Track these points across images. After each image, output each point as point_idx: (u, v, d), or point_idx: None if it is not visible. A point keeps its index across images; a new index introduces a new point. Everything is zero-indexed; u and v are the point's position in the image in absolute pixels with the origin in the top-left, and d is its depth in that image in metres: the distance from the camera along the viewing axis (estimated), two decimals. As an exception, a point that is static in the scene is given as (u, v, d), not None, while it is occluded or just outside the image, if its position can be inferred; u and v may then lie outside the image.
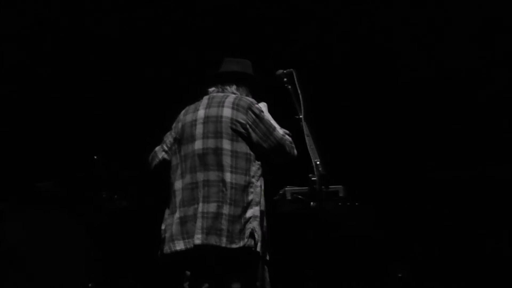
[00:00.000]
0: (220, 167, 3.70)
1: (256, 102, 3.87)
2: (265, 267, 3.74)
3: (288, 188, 3.86)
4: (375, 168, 6.26)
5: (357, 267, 5.90)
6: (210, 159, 3.72)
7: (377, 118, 6.36)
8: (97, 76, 6.25)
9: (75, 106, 6.27)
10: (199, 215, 3.65)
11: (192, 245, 3.62)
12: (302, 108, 3.77)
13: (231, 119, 3.76)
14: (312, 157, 3.62)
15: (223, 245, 3.59)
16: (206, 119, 3.81)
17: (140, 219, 5.83)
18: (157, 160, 3.97)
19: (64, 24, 6.08)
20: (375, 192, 6.00)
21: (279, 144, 3.77)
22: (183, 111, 3.99)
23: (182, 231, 3.68)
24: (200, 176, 3.72)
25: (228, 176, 3.67)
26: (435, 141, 6.36)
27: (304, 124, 3.74)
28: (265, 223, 3.75)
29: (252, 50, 4.85)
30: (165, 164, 3.93)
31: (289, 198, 3.84)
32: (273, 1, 6.00)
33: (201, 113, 3.85)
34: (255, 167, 3.74)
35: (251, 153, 3.75)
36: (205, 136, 3.78)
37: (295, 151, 3.80)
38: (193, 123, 3.85)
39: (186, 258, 3.71)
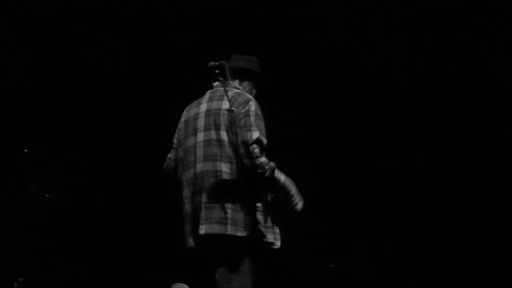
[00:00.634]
0: (220, 158, 3.79)
1: (255, 101, 3.90)
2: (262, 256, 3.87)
3: None
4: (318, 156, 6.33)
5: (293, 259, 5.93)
6: (211, 150, 3.82)
7: (325, 108, 6.43)
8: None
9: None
10: (202, 206, 3.77)
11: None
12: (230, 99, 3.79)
13: (228, 111, 3.82)
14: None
15: (228, 233, 3.69)
16: (208, 112, 3.90)
17: (76, 214, 5.82)
18: (172, 163, 4.06)
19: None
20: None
21: (245, 144, 3.74)
22: (186, 108, 4.08)
23: (193, 226, 3.84)
24: (202, 167, 3.82)
25: (227, 167, 3.77)
26: (379, 130, 6.44)
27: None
28: (267, 211, 3.83)
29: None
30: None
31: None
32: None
33: (203, 106, 3.95)
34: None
35: None
36: (206, 129, 3.88)
37: (258, 163, 3.69)
38: (196, 116, 3.95)
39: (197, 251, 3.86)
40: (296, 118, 6.32)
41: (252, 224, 3.73)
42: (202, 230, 3.74)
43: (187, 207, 3.87)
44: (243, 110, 3.81)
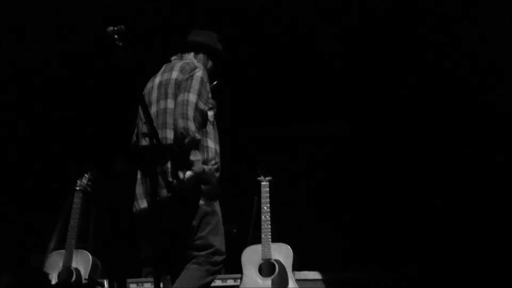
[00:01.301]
0: (165, 126, 3.89)
1: (203, 69, 3.98)
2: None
3: None
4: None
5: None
6: (160, 119, 3.91)
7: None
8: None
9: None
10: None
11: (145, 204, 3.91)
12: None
13: (176, 79, 3.93)
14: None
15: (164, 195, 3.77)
16: (160, 84, 4.01)
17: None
18: (134, 138, 4.16)
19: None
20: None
21: (179, 106, 3.80)
22: (147, 83, 4.17)
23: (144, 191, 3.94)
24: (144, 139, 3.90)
25: (170, 134, 3.85)
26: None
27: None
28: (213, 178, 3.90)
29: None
30: None
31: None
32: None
33: (156, 80, 4.07)
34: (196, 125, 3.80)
35: None
36: (158, 100, 3.99)
37: (182, 125, 3.74)
38: (150, 90, 4.06)
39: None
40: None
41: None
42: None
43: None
44: (187, 75, 3.91)
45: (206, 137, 3.92)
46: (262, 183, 5.19)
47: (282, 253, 5.08)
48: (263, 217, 5.05)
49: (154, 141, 3.62)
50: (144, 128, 3.90)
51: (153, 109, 3.95)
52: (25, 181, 6.20)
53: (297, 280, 5.05)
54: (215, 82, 4.17)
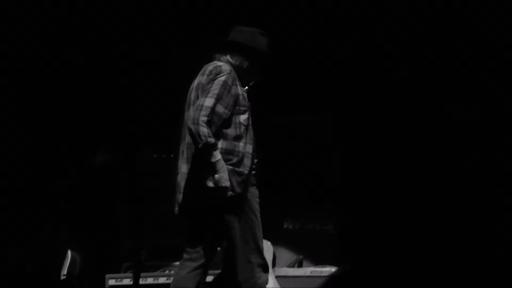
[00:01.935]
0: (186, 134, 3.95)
1: (229, 73, 3.93)
2: None
3: None
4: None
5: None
6: (186, 125, 3.93)
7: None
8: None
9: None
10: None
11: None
12: None
13: (201, 83, 3.93)
14: None
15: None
16: (196, 87, 3.99)
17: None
18: None
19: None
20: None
21: (193, 111, 3.83)
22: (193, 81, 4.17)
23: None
24: (183, 143, 4.01)
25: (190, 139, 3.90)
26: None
27: None
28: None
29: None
30: None
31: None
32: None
33: (194, 82, 4.05)
34: (212, 129, 3.82)
35: None
36: (188, 105, 4.02)
37: (194, 129, 3.77)
38: (190, 92, 4.05)
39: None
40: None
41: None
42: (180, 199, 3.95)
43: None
44: (211, 77, 3.90)
45: (235, 141, 3.91)
46: None
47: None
48: None
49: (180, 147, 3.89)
50: (182, 131, 4.01)
51: (186, 115, 3.99)
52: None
53: (277, 277, 5.03)
54: (257, 80, 4.18)
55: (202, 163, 3.82)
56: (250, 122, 4.01)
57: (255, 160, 4.04)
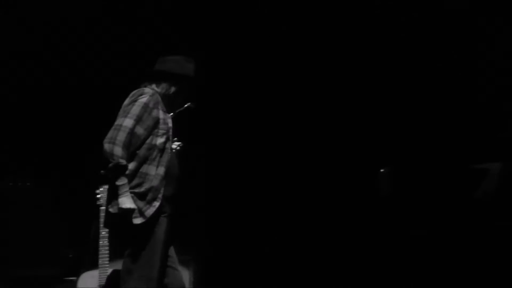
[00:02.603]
0: None
1: (148, 96, 3.97)
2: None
3: None
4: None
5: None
6: None
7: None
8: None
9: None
10: None
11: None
12: None
13: (123, 105, 4.00)
14: None
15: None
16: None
17: None
18: None
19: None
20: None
21: (111, 130, 3.88)
22: None
23: None
24: None
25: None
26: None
27: None
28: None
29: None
30: None
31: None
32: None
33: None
34: (129, 150, 3.90)
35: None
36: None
37: (104, 147, 3.83)
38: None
39: None
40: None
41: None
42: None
43: None
44: (132, 98, 3.96)
45: (146, 163, 3.93)
46: (101, 207, 4.99)
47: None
48: (101, 242, 4.94)
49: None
50: None
51: None
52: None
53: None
54: (186, 105, 4.25)
55: (109, 185, 3.87)
56: (167, 146, 4.02)
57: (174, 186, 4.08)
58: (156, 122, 3.97)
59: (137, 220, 3.84)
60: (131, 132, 3.87)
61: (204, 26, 6.09)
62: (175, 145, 4.23)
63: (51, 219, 5.92)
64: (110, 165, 3.80)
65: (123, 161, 3.81)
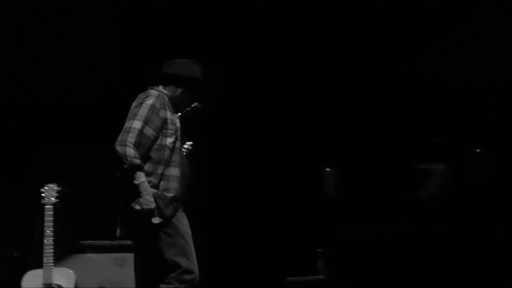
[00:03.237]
0: None
1: (154, 97, 4.08)
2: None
3: None
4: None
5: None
6: None
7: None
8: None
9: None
10: None
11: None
12: None
13: (131, 108, 4.11)
14: None
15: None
16: None
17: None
18: None
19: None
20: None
21: (123, 132, 3.99)
22: None
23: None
24: None
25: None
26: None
27: None
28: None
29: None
30: None
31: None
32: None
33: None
34: (140, 151, 3.98)
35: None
36: None
37: (116, 148, 3.93)
38: None
39: None
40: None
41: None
42: None
43: None
44: (139, 101, 4.08)
45: (161, 164, 4.04)
46: (46, 206, 5.09)
47: (64, 278, 5.07)
48: (45, 241, 5.00)
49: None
50: None
51: None
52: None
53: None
54: (193, 105, 4.32)
55: (129, 186, 3.93)
56: (177, 146, 4.14)
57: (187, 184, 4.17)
58: (164, 122, 4.08)
59: (156, 220, 3.96)
60: (141, 133, 3.97)
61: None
62: (187, 145, 4.35)
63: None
64: (125, 166, 3.90)
65: (137, 160, 3.91)
